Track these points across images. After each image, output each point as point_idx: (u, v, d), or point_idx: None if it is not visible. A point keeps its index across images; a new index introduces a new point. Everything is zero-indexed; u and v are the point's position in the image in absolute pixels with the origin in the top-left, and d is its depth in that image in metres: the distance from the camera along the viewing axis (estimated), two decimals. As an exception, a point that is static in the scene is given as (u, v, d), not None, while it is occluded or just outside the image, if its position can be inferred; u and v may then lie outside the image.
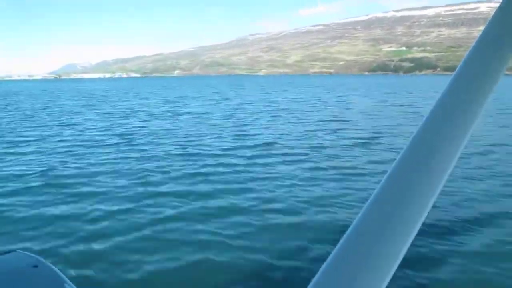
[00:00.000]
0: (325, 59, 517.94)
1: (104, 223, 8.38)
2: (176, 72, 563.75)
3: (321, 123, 24.76)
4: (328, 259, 0.78)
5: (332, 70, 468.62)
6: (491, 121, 23.93)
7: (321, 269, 0.78)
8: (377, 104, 38.92)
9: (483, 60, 0.93)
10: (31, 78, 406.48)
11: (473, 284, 6.17)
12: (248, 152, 15.66)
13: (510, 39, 0.95)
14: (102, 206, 9.32)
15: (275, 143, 17.82)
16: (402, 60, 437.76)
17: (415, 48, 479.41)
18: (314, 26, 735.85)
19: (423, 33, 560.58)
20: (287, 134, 20.35)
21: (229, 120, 26.52)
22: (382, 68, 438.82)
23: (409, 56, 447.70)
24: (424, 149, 0.86)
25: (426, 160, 0.85)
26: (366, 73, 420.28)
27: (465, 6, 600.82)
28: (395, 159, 0.87)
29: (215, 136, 19.91)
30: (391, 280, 0.74)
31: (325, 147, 16.93)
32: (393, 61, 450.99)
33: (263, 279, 6.38)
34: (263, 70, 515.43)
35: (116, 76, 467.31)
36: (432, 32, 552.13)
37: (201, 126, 23.93)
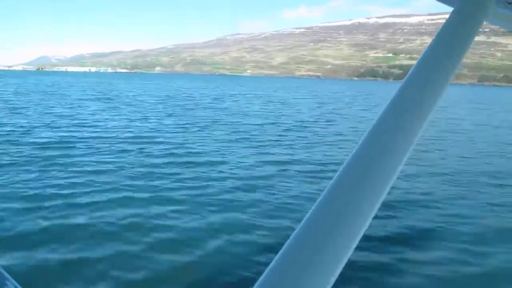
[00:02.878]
0: (311, 62, 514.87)
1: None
2: (157, 69, 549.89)
3: None
4: (274, 260, 0.78)
5: (319, 74, 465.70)
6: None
7: (267, 269, 0.78)
8: None
9: (433, 67, 0.98)
10: (10, 69, 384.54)
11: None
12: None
13: (455, 51, 1.01)
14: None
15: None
16: (390, 67, 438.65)
17: (402, 55, 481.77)
18: (297, 28, 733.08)
19: (406, 41, 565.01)
20: None
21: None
22: (370, 73, 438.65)
23: (397, 62, 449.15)
24: (373, 151, 0.88)
25: (374, 162, 0.86)
26: (355, 78, 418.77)
27: (447, 16, 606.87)
28: (344, 161, 0.89)
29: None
30: (337, 281, 0.76)
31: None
32: (381, 67, 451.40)
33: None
34: (248, 71, 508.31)
35: (102, 70, 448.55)
36: (416, 40, 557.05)
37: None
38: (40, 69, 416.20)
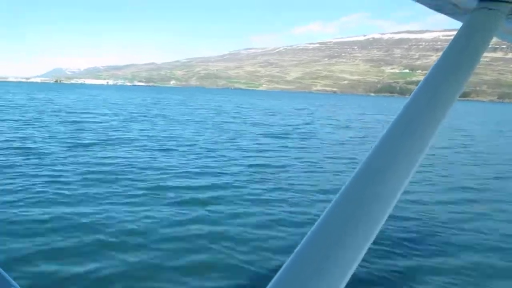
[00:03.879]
0: (327, 78, 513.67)
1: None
2: (172, 83, 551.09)
3: None
4: (287, 261, 0.80)
5: (336, 89, 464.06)
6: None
7: (281, 269, 0.79)
8: None
9: (442, 82, 0.99)
10: (29, 81, 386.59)
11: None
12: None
13: (464, 66, 1.01)
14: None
15: None
16: (408, 83, 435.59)
17: (419, 71, 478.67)
18: (310, 43, 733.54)
19: (422, 57, 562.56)
20: None
21: None
22: (387, 89, 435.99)
23: (414, 79, 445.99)
24: (383, 162, 0.89)
25: (384, 172, 0.88)
26: (372, 94, 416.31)
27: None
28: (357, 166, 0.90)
29: None
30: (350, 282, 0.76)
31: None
32: (398, 83, 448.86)
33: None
34: (264, 85, 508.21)
35: (119, 83, 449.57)
36: (431, 56, 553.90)
37: None
38: (58, 81, 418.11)
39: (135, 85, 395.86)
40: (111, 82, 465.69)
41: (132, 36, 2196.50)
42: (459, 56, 1.02)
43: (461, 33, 1.06)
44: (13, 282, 1.73)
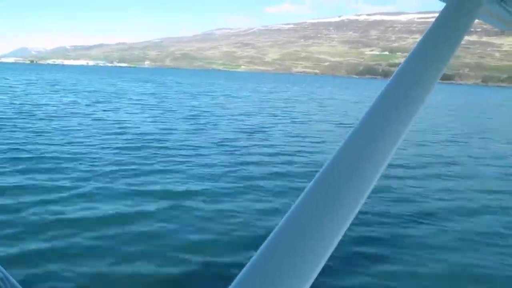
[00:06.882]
0: (306, 59, 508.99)
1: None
2: (147, 63, 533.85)
3: None
4: (253, 258, 0.76)
5: (317, 71, 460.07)
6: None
7: (245, 267, 0.75)
8: None
9: (419, 67, 0.97)
10: (0, 61, 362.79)
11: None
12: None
13: (445, 48, 1.00)
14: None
15: None
16: (390, 65, 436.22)
17: (399, 53, 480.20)
18: (286, 24, 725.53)
19: (399, 39, 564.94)
20: None
21: None
22: (370, 71, 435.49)
23: (396, 61, 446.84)
24: (358, 149, 0.85)
25: (359, 159, 0.84)
26: (355, 76, 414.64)
27: (438, 15, 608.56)
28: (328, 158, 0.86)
29: None
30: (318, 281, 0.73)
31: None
32: (380, 65, 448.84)
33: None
34: (243, 67, 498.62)
35: (101, 64, 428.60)
36: (408, 38, 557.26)
37: None
38: (35, 62, 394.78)
39: (117, 66, 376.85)
40: (91, 63, 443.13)
41: (98, 15, 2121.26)
42: (441, 38, 1.01)
43: (443, 14, 1.05)
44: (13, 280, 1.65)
